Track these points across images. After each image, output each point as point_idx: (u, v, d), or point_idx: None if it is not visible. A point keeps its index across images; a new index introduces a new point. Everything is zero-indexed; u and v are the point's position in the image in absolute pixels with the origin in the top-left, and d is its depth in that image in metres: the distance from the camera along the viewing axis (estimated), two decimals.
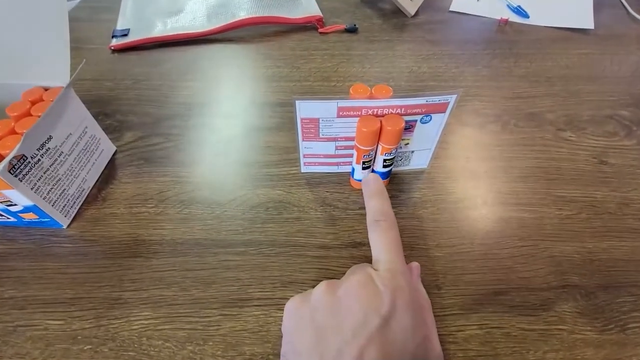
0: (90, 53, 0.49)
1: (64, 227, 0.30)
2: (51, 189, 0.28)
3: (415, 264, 0.25)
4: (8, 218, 0.29)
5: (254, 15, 0.51)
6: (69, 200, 0.30)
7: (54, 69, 0.30)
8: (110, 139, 0.36)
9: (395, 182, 0.33)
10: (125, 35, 0.50)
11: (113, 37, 0.50)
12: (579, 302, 0.25)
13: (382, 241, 0.22)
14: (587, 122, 0.38)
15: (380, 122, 0.27)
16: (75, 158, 0.30)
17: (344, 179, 0.33)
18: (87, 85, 0.44)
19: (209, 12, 0.52)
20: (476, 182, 0.33)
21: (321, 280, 0.26)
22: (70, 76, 0.30)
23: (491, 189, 0.32)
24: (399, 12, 0.55)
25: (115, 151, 0.36)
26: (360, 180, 0.31)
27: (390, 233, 0.22)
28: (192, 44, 0.50)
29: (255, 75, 0.45)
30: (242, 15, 0.51)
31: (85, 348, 0.24)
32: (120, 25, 0.52)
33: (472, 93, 0.42)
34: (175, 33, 0.50)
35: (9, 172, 0.24)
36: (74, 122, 0.30)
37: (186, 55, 0.48)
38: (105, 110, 0.41)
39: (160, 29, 0.51)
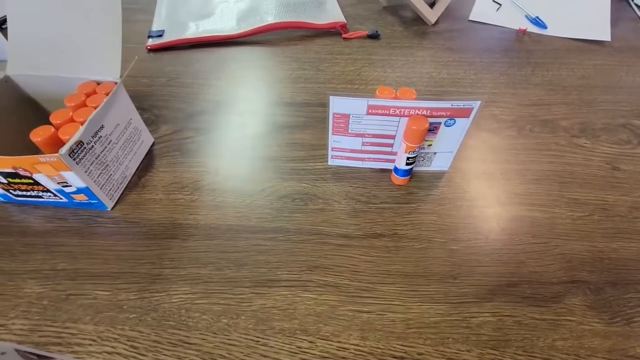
0: (128, 52, 0.52)
1: (109, 209, 0.33)
2: (100, 173, 0.31)
3: None
4: (60, 198, 0.32)
5: (281, 20, 0.53)
6: (114, 184, 0.33)
7: (107, 65, 0.33)
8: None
9: (416, 180, 0.35)
10: (160, 35, 0.53)
11: (149, 37, 0.53)
12: (588, 296, 0.27)
13: None
14: (601, 130, 0.40)
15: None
16: (121, 147, 0.33)
17: (367, 174, 0.35)
18: (126, 82, 0.47)
19: (238, 16, 0.55)
20: (491, 183, 0.35)
21: (344, 266, 0.29)
22: (121, 72, 0.33)
23: (506, 189, 0.34)
24: (419, 20, 0.57)
25: (153, 142, 0.39)
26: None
27: None
28: (222, 46, 0.53)
29: (281, 77, 0.48)
30: (270, 20, 0.54)
31: (131, 316, 0.26)
32: (155, 27, 0.55)
33: (489, 99, 0.43)
34: (207, 35, 0.53)
35: (69, 155, 0.27)
36: (122, 114, 0.33)
37: (216, 56, 0.51)
38: (143, 105, 0.44)
39: (193, 31, 0.54)
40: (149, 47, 0.52)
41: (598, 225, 0.31)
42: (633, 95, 0.44)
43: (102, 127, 0.30)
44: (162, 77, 0.48)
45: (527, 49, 0.52)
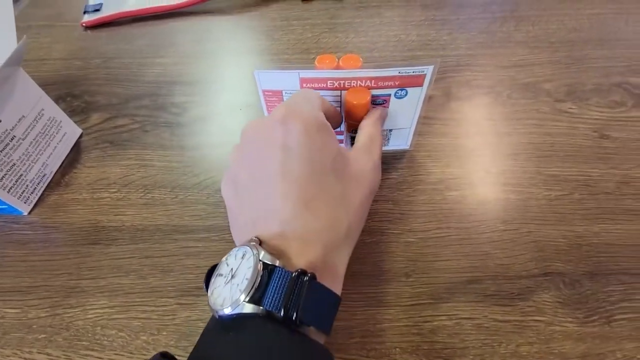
0: (62, 30, 0.47)
1: (25, 213, 0.29)
2: (5, 174, 0.27)
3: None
4: None
5: None
6: (28, 186, 0.29)
7: (2, 49, 0.28)
8: (76, 121, 0.35)
9: None
10: (98, 10, 0.48)
11: (85, 12, 0.48)
12: (561, 291, 0.23)
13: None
14: (591, 92, 0.34)
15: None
16: (32, 142, 0.29)
17: None
18: (57, 65, 0.42)
19: None
20: (461, 161, 0.30)
21: None
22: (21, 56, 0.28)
23: (477, 168, 0.30)
24: None
25: (82, 134, 0.35)
26: None
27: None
28: (167, 17, 0.47)
29: (231, 49, 0.42)
30: None
31: (40, 337, 0.23)
32: (92, 0, 0.49)
33: (463, 62, 0.38)
34: (150, 6, 0.47)
35: None
36: (27, 104, 0.29)
37: (160, 30, 0.46)
38: (74, 91, 0.39)
39: (134, 3, 0.48)
40: (84, 25, 0.47)
41: (579, 205, 0.27)
42: (632, 48, 0.38)
43: None
44: (98, 57, 0.43)
45: (512, 0, 0.45)
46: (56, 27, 0.47)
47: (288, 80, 0.25)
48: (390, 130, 0.29)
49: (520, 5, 0.44)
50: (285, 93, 0.26)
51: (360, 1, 0.47)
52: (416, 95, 0.25)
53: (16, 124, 0.28)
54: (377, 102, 0.26)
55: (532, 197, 0.27)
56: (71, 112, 0.36)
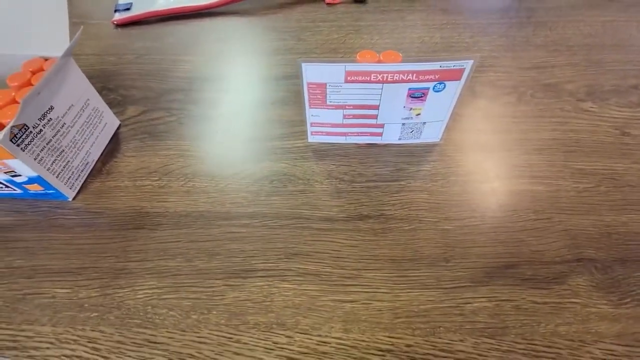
0: (94, 28, 0.48)
1: (70, 199, 0.30)
2: (55, 160, 0.28)
3: None
4: (14, 190, 0.29)
5: None
6: (73, 172, 0.30)
7: (54, 40, 0.30)
8: (113, 113, 0.36)
9: (405, 155, 0.32)
10: (128, 9, 0.49)
11: (116, 11, 0.49)
12: (594, 275, 0.24)
13: None
14: (610, 93, 0.36)
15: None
16: (79, 130, 0.30)
17: (351, 151, 0.32)
18: (91, 60, 0.43)
19: None
20: (489, 155, 0.32)
21: (326, 253, 0.26)
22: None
23: (504, 162, 0.31)
24: None
25: (119, 125, 0.36)
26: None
27: None
28: (194, 18, 0.49)
29: (258, 49, 0.44)
30: None
31: (92, 315, 0.24)
32: (122, 0, 0.51)
33: (487, 64, 0.40)
34: (178, 6, 0.48)
35: (11, 140, 0.24)
36: (76, 94, 0.30)
37: (188, 29, 0.47)
38: (109, 85, 0.40)
39: (163, 3, 0.49)
40: (115, 23, 0.48)
41: (606, 197, 0.28)
42: None
43: (51, 108, 0.27)
44: (130, 54, 0.44)
45: (529, 7, 0.47)
46: (86, 24, 0.49)
47: (333, 73, 0.26)
48: (424, 122, 0.30)
49: (537, 12, 0.46)
50: (329, 86, 0.27)
51: (383, 5, 0.49)
52: (453, 89, 0.27)
53: (66, 112, 0.29)
54: (417, 95, 0.27)
55: (561, 189, 0.29)
56: (108, 105, 0.37)
